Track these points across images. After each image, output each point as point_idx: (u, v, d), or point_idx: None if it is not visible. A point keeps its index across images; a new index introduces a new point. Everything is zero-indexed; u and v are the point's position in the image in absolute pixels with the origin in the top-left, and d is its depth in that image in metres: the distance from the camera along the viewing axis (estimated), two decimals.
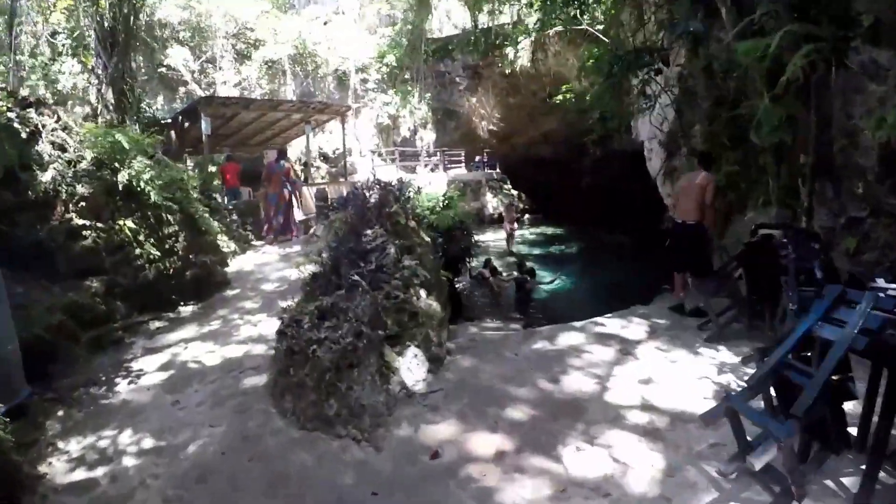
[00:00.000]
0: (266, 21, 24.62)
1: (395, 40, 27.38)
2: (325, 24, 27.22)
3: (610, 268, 17.23)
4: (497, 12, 28.00)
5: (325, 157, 24.71)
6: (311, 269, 5.93)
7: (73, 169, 6.64)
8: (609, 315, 7.38)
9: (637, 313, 7.40)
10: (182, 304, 7.74)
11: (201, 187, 10.41)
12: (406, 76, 27.69)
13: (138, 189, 7.11)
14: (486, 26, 28.47)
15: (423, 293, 5.68)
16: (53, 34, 18.69)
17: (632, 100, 16.89)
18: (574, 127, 31.81)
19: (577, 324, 6.93)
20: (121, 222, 6.95)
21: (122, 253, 6.92)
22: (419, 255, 6.08)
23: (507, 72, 27.87)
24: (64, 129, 6.92)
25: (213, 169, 18.01)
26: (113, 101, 12.51)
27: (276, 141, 21.37)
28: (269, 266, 10.08)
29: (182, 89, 23.30)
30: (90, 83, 13.49)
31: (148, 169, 7.35)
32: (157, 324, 7.09)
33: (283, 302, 6.15)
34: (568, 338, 6.35)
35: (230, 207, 12.77)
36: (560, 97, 17.47)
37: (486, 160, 29.57)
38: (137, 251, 7.06)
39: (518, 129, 31.96)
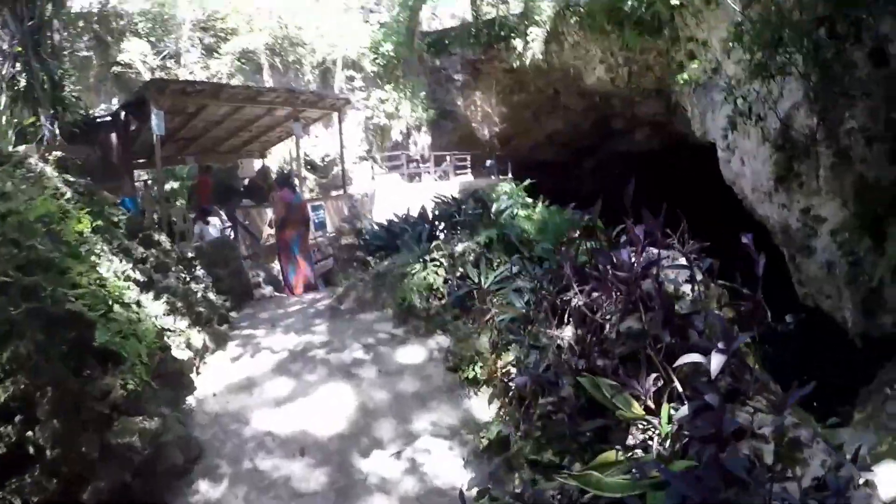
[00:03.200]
0: (239, 2, 21.06)
1: (393, 27, 24.03)
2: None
3: None
4: (501, 1, 24.96)
5: (311, 166, 21.26)
6: None
7: None
8: None
9: None
10: None
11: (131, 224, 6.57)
12: (398, 72, 24.40)
13: None
14: (488, 17, 25.75)
15: None
16: None
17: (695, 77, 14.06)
18: (578, 127, 30.18)
19: None
20: None
21: None
22: None
23: (512, 66, 25.27)
24: None
25: (174, 185, 14.60)
26: (22, 87, 8.98)
27: (253, 147, 17.88)
28: (275, 386, 5.56)
29: None
30: None
31: None
32: None
33: None
34: None
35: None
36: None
37: (496, 163, 26.56)
38: None
39: (521, 131, 29.69)
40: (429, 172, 24.61)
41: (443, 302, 6.71)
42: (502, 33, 24.68)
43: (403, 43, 23.79)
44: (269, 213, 10.66)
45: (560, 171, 31.83)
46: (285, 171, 12.97)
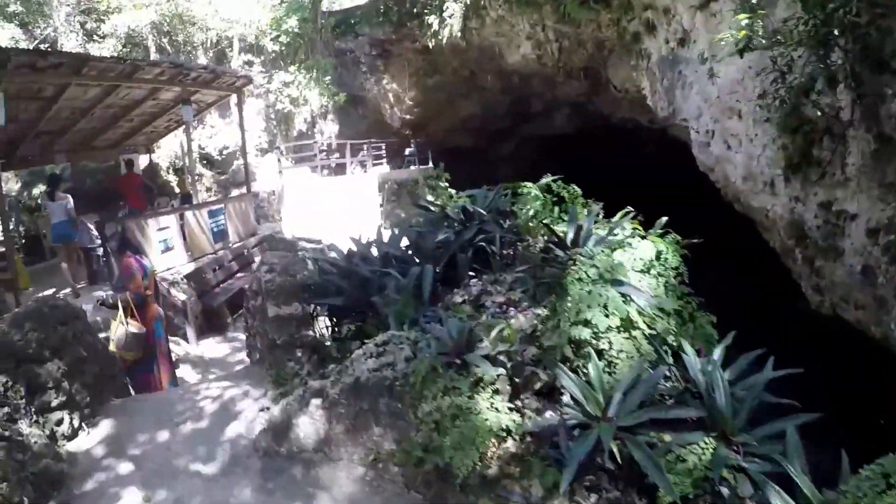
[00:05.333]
0: None
1: (295, 2, 21.59)
2: None
3: None
4: None
5: (207, 161, 18.69)
6: None
7: None
8: None
9: None
10: None
11: None
12: (302, 55, 22.08)
13: None
14: None
15: None
16: None
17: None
18: (494, 110, 29.02)
19: None
20: None
21: None
22: None
23: (426, 46, 23.45)
24: None
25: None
26: None
27: (136, 140, 15.22)
28: None
29: None
30: None
31: None
32: None
33: None
34: None
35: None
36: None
37: (416, 152, 24.85)
38: None
39: (435, 116, 27.99)
40: (341, 164, 22.52)
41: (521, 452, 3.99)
42: (415, 10, 22.90)
43: (308, 19, 21.47)
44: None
45: (475, 157, 31.05)
46: (118, 230, 9.36)
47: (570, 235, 5.56)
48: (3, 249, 9.64)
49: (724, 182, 9.67)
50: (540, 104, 27.47)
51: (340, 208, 18.84)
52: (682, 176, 17.40)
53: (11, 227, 14.64)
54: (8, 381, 4.36)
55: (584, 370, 4.46)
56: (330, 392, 4.39)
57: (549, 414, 4.25)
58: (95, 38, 18.51)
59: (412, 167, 24.86)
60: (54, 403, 4.71)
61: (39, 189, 16.31)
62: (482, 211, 6.97)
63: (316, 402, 4.43)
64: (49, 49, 16.57)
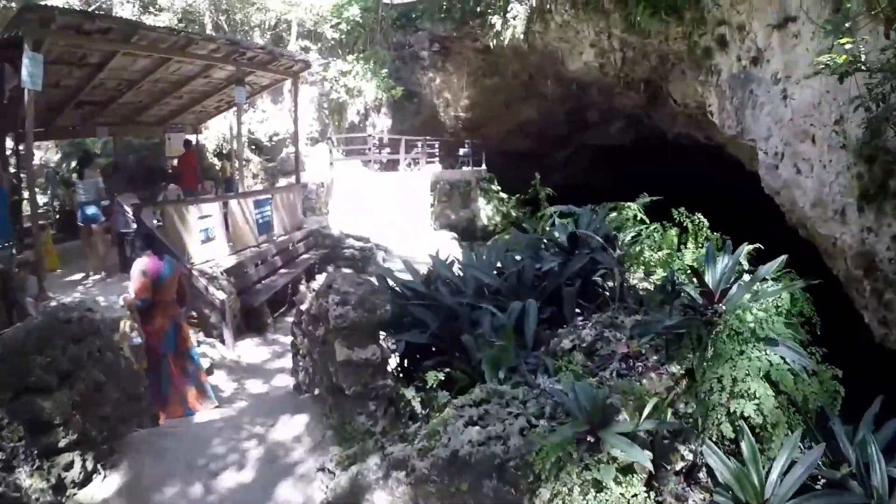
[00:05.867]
0: None
1: None
2: None
3: None
4: None
5: (256, 147, 17.93)
6: None
7: None
8: None
9: None
10: None
11: None
12: (361, 45, 21.31)
13: None
14: None
15: None
16: None
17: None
18: (551, 117, 28.20)
19: None
20: None
21: None
22: None
23: (487, 46, 22.59)
24: None
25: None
26: None
27: (184, 118, 14.50)
28: None
29: None
30: None
31: None
32: None
33: None
34: None
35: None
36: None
37: (470, 153, 23.96)
38: None
39: (491, 118, 27.32)
40: (393, 160, 21.62)
41: None
42: (478, 8, 22.02)
43: (371, 8, 20.70)
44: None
45: (529, 161, 30.31)
46: (146, 226, 7.96)
47: (711, 278, 4.43)
48: (30, 225, 8.81)
49: (790, 206, 9.38)
50: (596, 114, 26.99)
51: (390, 205, 18.00)
52: (738, 194, 16.66)
53: (46, 200, 14.05)
54: (3, 418, 3.38)
55: (729, 444, 3.72)
56: (417, 465, 3.36)
57: (692, 502, 3.50)
58: (151, 10, 17.88)
59: (465, 168, 23.95)
60: (62, 444, 3.70)
61: (74, 164, 15.68)
62: (594, 236, 5.83)
63: (398, 475, 3.44)
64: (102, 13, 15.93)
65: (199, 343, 7.36)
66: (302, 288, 11.38)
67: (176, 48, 9.58)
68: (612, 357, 4.11)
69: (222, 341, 8.32)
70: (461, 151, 24.39)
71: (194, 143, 14.82)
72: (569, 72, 21.90)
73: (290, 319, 10.58)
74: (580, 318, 4.94)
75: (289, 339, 8.84)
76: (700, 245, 5.89)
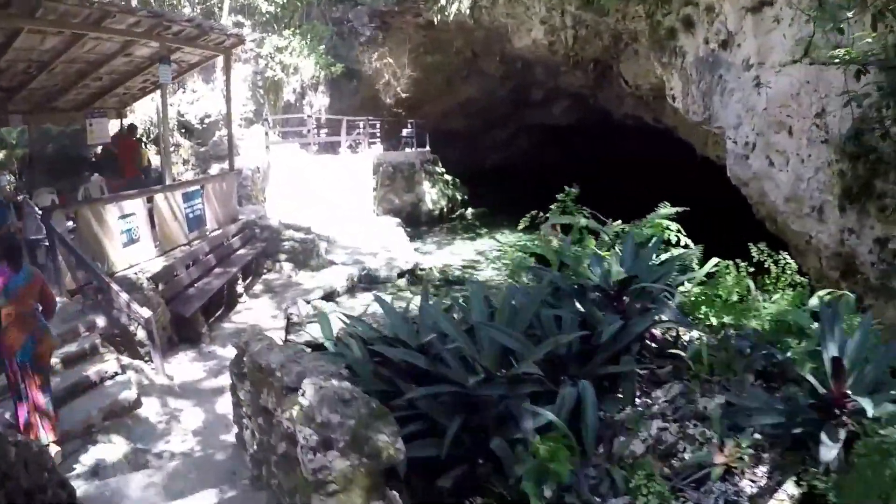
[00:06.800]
0: None
1: None
2: None
3: None
4: None
5: (186, 129, 16.97)
6: None
7: None
8: None
9: None
10: None
11: None
12: (297, 20, 20.44)
13: None
14: None
15: None
16: None
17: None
18: (493, 95, 27.97)
19: None
20: None
21: None
22: None
23: (431, 22, 22.09)
24: None
25: None
26: None
27: (105, 102, 13.55)
28: None
29: None
30: None
31: None
32: None
33: None
34: None
35: None
36: None
37: (414, 133, 23.47)
38: None
39: (432, 96, 27.05)
40: (333, 142, 20.93)
41: None
42: None
43: None
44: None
45: (467, 142, 30.66)
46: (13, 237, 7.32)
47: (828, 360, 3.45)
48: None
49: (759, 198, 9.25)
50: (540, 93, 27.03)
51: (331, 191, 17.46)
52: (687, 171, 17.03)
53: None
54: None
55: None
56: None
57: None
58: None
59: (409, 149, 23.54)
60: None
61: None
62: (659, 287, 4.71)
63: None
64: None
65: (123, 369, 6.70)
66: (239, 289, 10.84)
67: (89, 22, 8.61)
68: (699, 465, 3.29)
69: (150, 363, 7.66)
70: (404, 132, 24.06)
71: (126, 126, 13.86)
72: (515, 49, 21.71)
73: (226, 326, 10.02)
74: (639, 399, 4.01)
75: (227, 352, 8.19)
76: (780, 290, 4.89)
